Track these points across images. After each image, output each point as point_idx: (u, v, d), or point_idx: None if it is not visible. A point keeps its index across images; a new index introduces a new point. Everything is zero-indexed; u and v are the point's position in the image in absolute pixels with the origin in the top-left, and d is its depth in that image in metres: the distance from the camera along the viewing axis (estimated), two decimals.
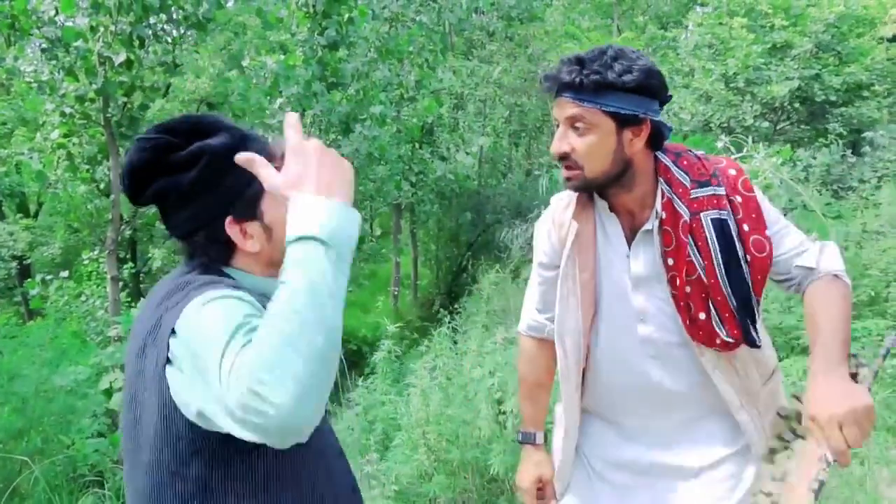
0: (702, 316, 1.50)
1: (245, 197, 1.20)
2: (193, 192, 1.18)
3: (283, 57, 7.50)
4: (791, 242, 1.56)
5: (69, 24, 6.69)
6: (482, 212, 14.89)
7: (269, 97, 7.47)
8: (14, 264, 11.58)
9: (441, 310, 5.98)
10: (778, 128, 10.06)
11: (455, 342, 3.52)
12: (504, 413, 2.87)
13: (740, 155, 4.81)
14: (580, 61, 1.45)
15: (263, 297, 1.17)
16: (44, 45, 6.44)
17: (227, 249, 1.23)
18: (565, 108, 1.47)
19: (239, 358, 0.94)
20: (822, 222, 4.71)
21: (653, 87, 1.45)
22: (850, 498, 3.02)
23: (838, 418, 1.26)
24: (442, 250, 16.60)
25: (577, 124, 1.46)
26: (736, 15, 9.33)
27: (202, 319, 1.06)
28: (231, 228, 1.20)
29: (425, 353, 3.22)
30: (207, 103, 8.95)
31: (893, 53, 9.53)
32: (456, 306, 7.91)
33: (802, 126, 10.28)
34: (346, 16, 7.83)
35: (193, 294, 1.13)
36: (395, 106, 9.53)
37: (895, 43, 9.89)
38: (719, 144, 4.86)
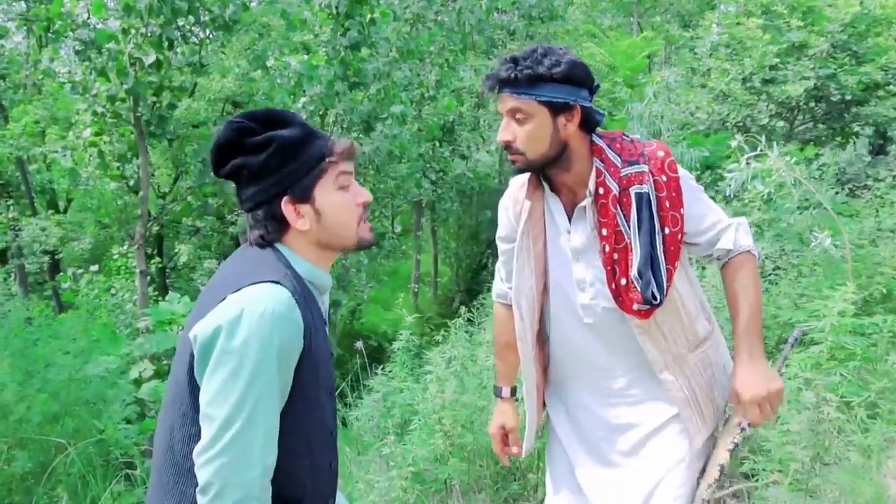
0: (623, 281, 1.68)
1: (302, 182, 1.41)
2: (261, 172, 1.40)
3: (306, 57, 7.66)
4: (710, 220, 1.76)
5: (101, 26, 6.92)
6: None
7: (292, 96, 7.65)
8: (46, 259, 11.92)
9: (461, 306, 6.08)
10: (795, 127, 10.06)
11: (470, 334, 3.66)
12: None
13: (754, 154, 4.86)
14: (514, 60, 1.66)
15: (311, 284, 1.45)
16: (77, 48, 6.65)
17: (281, 226, 1.43)
18: (506, 101, 1.68)
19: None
20: (834, 220, 4.74)
21: (579, 77, 1.65)
22: (851, 484, 3.09)
23: (759, 399, 1.63)
24: (462, 248, 16.74)
25: (518, 115, 1.67)
26: (752, 15, 9.37)
27: (230, 353, 1.28)
28: (286, 207, 1.41)
29: (442, 342, 3.35)
30: (233, 102, 9.15)
31: None
32: (474, 302, 8.02)
33: (819, 125, 10.29)
34: (369, 17, 7.96)
35: (246, 282, 1.34)
36: (415, 105, 9.65)
37: None
38: (733, 143, 4.90)
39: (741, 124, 9.29)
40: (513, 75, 1.63)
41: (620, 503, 1.80)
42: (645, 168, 1.69)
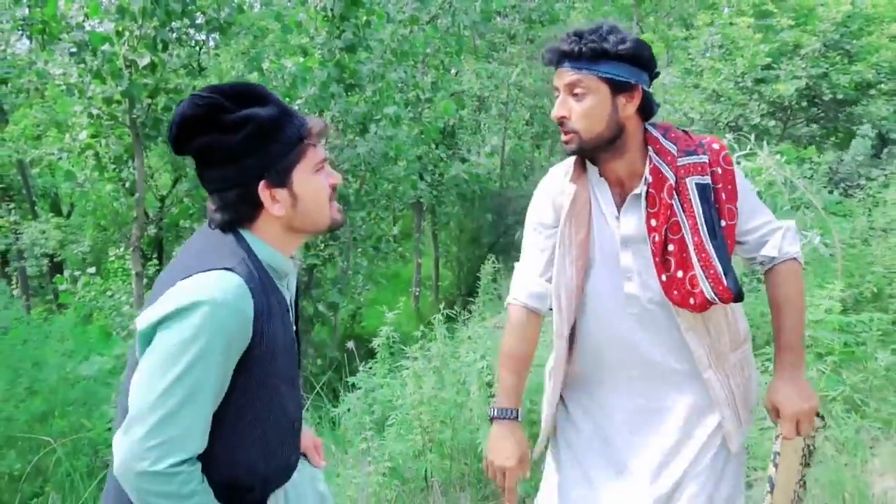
0: (679, 274, 1.62)
1: (281, 165, 1.33)
2: (237, 152, 1.30)
3: (301, 59, 7.68)
4: (760, 219, 1.72)
5: (99, 29, 6.96)
6: (503, 213, 14.94)
7: (287, 98, 7.66)
8: (46, 261, 11.97)
9: (463, 309, 6.06)
10: (788, 127, 10.01)
11: (452, 329, 3.65)
12: (494, 396, 2.97)
13: (744, 153, 4.84)
14: (579, 34, 1.61)
15: (271, 269, 1.38)
16: (72, 50, 6.69)
17: (254, 209, 1.35)
18: (564, 76, 1.63)
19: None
20: (825, 219, 4.71)
21: (644, 57, 1.61)
22: (837, 482, 3.07)
23: (799, 415, 1.62)
24: (463, 251, 16.68)
25: (576, 90, 1.61)
26: (744, 15, 9.35)
27: (166, 338, 1.23)
28: (263, 192, 1.32)
29: (420, 338, 3.34)
30: None
31: None
32: (471, 306, 7.99)
33: (813, 125, 10.24)
34: (364, 19, 7.98)
35: (197, 269, 1.28)
36: (411, 107, 9.65)
37: None
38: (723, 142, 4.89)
39: (733, 124, 9.27)
40: (576, 49, 1.58)
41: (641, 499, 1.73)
42: (705, 159, 1.64)
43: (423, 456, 3.03)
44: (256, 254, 1.35)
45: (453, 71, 12.04)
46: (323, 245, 8.77)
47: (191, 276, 1.26)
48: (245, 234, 1.36)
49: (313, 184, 1.38)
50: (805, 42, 9.20)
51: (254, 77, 7.62)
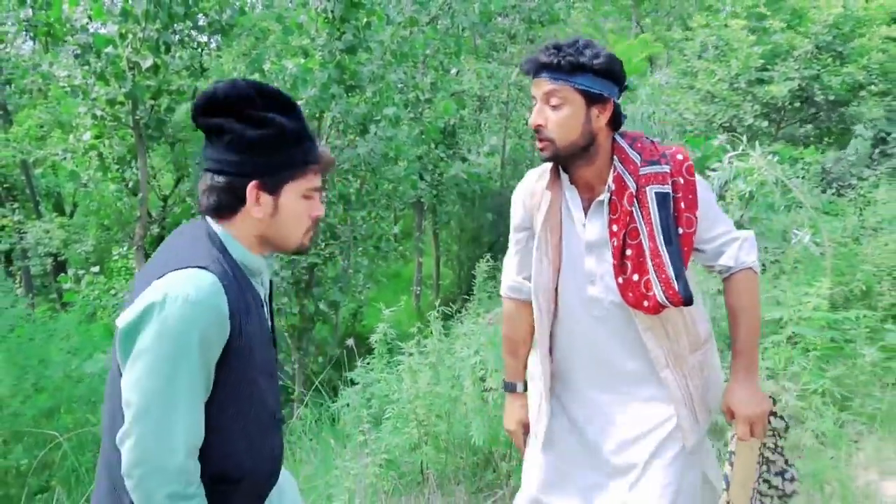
0: (635, 277, 1.71)
1: (280, 175, 1.40)
2: (247, 146, 1.37)
3: (302, 61, 7.76)
4: (719, 229, 1.80)
5: (102, 31, 7.06)
6: (504, 213, 14.98)
7: None
8: (49, 261, 12.08)
9: (461, 308, 6.13)
10: (782, 128, 10.11)
11: (449, 326, 3.75)
12: (487, 390, 3.08)
13: (737, 153, 4.92)
14: (557, 47, 1.70)
15: (244, 267, 1.44)
16: (77, 52, 6.79)
17: (236, 204, 1.41)
18: (542, 86, 1.71)
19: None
20: (815, 218, 4.79)
21: (615, 72, 1.70)
22: (817, 473, 3.15)
23: (752, 418, 1.74)
24: (464, 251, 16.75)
25: (552, 100, 1.70)
26: (738, 17, 9.46)
27: (146, 339, 1.27)
28: (251, 190, 1.39)
29: (416, 334, 3.43)
30: None
31: (894, 53, 9.43)
32: (469, 304, 8.07)
33: (807, 126, 10.36)
34: (364, 20, 8.05)
35: (171, 268, 1.32)
36: (411, 108, 9.72)
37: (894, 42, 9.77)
38: (716, 143, 4.97)
39: (727, 125, 9.38)
40: (554, 61, 1.67)
41: (608, 497, 1.84)
42: (667, 169, 1.72)
43: (419, 449, 3.12)
44: (231, 253, 1.41)
45: (454, 71, 12.10)
46: (324, 244, 8.85)
47: (164, 274, 1.31)
48: (220, 233, 1.42)
49: (298, 206, 1.44)
50: (798, 44, 9.30)
51: (255, 78, 7.69)
